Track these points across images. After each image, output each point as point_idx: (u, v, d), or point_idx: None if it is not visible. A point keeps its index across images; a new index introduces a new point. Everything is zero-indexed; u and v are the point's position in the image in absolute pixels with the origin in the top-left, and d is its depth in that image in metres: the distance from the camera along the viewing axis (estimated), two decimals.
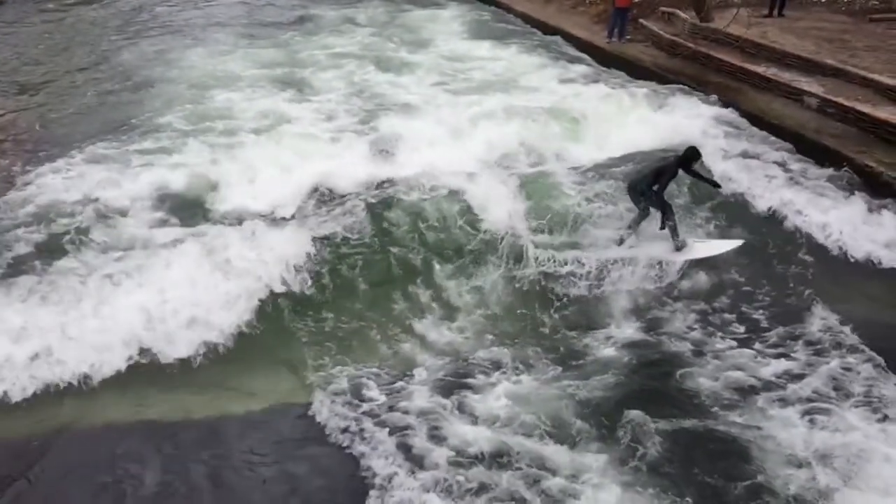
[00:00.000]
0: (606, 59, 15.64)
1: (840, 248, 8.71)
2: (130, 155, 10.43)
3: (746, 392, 6.56)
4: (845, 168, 9.72)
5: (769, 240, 8.84)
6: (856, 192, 9.28)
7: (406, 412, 6.41)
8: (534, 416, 6.23)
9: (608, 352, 7.20)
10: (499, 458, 5.82)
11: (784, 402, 6.39)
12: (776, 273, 8.43)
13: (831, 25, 15.24)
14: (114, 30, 19.22)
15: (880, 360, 6.89)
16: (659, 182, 8.01)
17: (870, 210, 9.00)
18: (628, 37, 16.33)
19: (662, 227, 8.12)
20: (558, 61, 15.50)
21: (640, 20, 16.80)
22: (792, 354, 7.08)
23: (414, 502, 5.52)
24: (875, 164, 9.57)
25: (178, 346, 7.06)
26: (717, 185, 8.59)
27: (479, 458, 5.84)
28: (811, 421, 6.14)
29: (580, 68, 14.95)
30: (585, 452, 5.82)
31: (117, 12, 21.21)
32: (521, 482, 5.60)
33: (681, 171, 8.20)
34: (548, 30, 18.45)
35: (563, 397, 6.50)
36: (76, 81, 14.81)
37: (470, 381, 6.77)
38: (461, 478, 5.67)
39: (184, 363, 6.98)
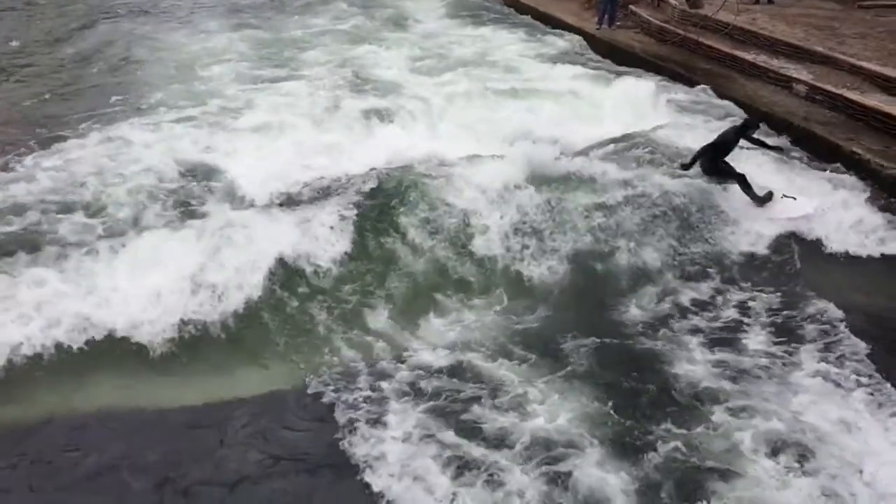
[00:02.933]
0: (596, 46, 15.57)
1: (821, 234, 8.56)
2: (121, 136, 10.29)
3: (666, 318, 7.32)
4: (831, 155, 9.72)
5: None
6: (842, 179, 9.21)
7: (370, 335, 7.04)
8: (486, 342, 7.00)
9: (552, 285, 7.78)
10: (455, 375, 6.55)
11: (698, 328, 7.20)
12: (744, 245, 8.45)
13: (820, 12, 15.23)
14: (99, 13, 19.00)
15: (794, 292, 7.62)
16: (723, 153, 8.45)
17: (855, 196, 8.92)
18: (618, 23, 16.26)
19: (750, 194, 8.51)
20: (547, 47, 15.45)
21: (630, 6, 16.75)
22: (709, 288, 7.75)
23: (376, 408, 6.14)
24: (863, 152, 9.55)
25: (169, 329, 6.88)
26: (780, 150, 9.01)
27: (438, 373, 6.59)
28: (719, 342, 6.98)
29: (569, 55, 14.90)
30: (531, 370, 6.66)
31: None
32: (477, 392, 6.34)
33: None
34: (537, 16, 18.35)
35: (510, 325, 7.24)
36: (62, 66, 14.59)
37: (427, 312, 7.45)
38: (419, 388, 6.37)
39: (174, 347, 6.81)
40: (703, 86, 12.14)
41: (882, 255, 8.37)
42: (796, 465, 5.55)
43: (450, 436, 5.85)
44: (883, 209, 8.78)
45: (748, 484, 5.39)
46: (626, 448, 5.72)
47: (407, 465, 5.58)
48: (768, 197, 8.53)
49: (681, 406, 6.18)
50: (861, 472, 5.48)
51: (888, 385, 6.30)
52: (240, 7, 19.35)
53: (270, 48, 15.26)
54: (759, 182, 8.97)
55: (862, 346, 6.77)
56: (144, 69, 13.96)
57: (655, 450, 5.68)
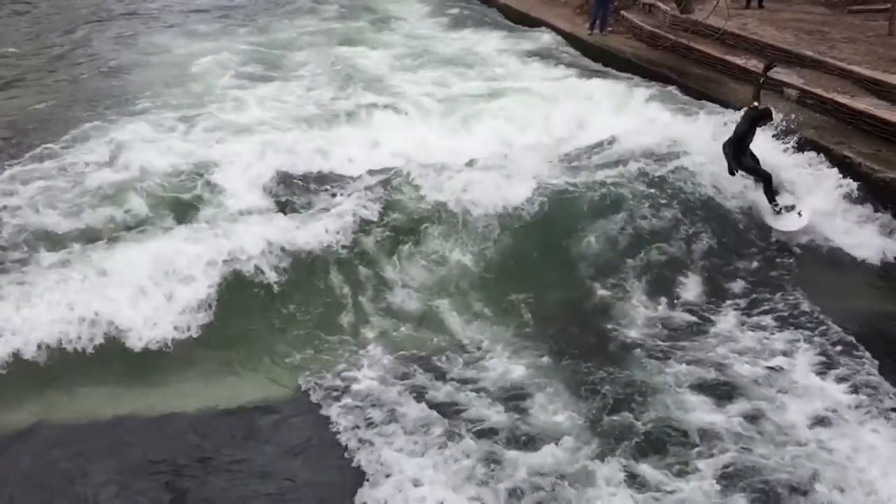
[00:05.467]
0: (588, 51, 15.63)
1: (811, 238, 8.68)
2: (116, 139, 10.21)
3: (615, 270, 8.01)
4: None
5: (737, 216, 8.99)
6: (832, 181, 9.21)
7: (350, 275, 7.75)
8: (451, 290, 7.75)
9: (520, 238, 8.29)
10: (424, 324, 7.37)
11: (645, 283, 7.90)
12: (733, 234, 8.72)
13: (811, 17, 15.30)
14: (89, 15, 18.97)
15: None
16: (742, 144, 8.54)
17: (846, 200, 8.96)
18: (610, 28, 16.31)
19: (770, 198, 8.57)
20: (538, 52, 15.49)
21: (622, 12, 16.80)
22: (665, 253, 8.30)
23: (352, 357, 6.83)
24: (853, 155, 9.59)
25: (157, 331, 6.88)
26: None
27: (410, 321, 7.41)
28: (660, 296, 7.77)
29: (561, 60, 14.95)
30: (490, 321, 7.41)
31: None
32: (443, 340, 7.14)
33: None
34: (529, 22, 18.34)
35: (474, 277, 7.93)
36: (51, 70, 14.53)
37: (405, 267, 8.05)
38: (390, 337, 7.15)
39: (162, 350, 6.81)
40: (672, 86, 12.59)
41: (871, 256, 8.47)
42: (725, 398, 6.30)
43: (417, 377, 6.59)
44: (874, 212, 8.84)
45: (680, 413, 6.12)
46: (574, 389, 6.46)
47: (378, 398, 6.28)
48: (789, 208, 8.50)
49: (622, 353, 6.95)
50: (784, 405, 6.22)
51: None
52: (230, 10, 19.43)
53: (261, 49, 15.36)
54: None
55: (836, 339, 7.12)
56: (136, 72, 13.98)
57: (599, 390, 6.43)
